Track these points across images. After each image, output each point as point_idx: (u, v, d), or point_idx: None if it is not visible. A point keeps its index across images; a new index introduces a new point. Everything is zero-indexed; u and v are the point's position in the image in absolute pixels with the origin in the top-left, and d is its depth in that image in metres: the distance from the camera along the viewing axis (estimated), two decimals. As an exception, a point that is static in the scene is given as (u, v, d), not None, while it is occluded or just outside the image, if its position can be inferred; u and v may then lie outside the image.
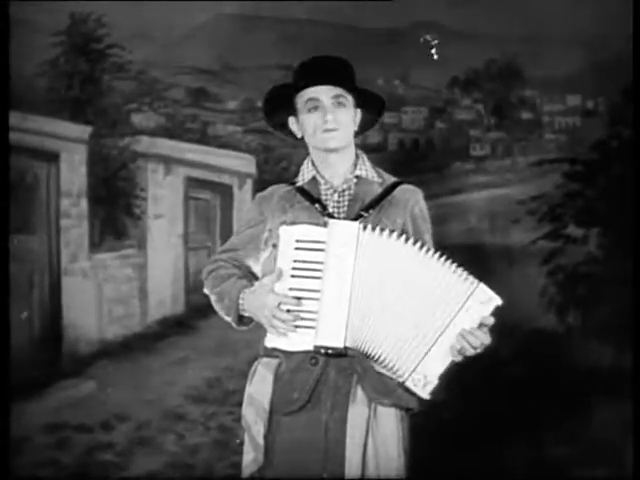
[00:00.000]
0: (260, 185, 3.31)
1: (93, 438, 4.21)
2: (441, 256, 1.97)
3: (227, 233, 4.71)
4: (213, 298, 2.19)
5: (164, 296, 4.91)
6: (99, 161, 4.66)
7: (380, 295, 1.97)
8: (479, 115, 4.90)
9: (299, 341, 2.00)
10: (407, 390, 1.99)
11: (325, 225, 2.00)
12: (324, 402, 2.06)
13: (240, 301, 2.07)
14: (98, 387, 4.44)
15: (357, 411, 2.06)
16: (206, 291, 2.22)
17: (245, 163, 4.99)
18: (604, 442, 3.90)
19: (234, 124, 4.95)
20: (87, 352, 4.59)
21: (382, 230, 1.98)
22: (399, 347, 1.96)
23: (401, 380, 1.98)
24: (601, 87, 4.56)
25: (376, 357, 1.98)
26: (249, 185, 5.04)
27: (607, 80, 4.43)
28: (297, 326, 1.99)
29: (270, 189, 2.24)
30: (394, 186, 2.18)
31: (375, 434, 2.07)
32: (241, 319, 2.11)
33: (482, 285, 1.95)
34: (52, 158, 4.56)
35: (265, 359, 2.14)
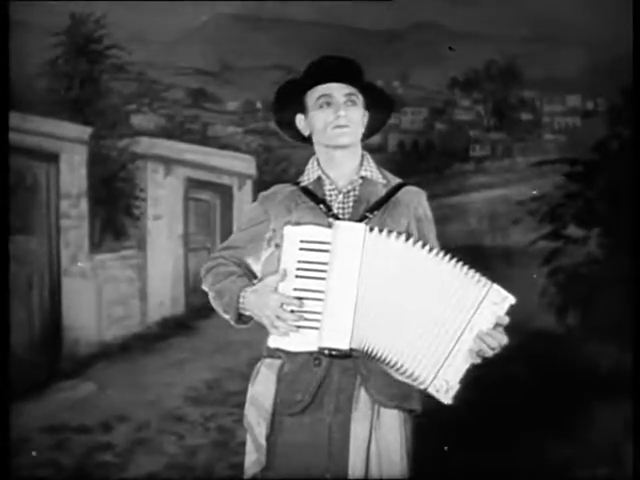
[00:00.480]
0: (260, 186, 3.31)
1: (93, 439, 4.21)
2: (451, 258, 1.96)
3: (227, 234, 4.67)
4: (212, 295, 2.17)
5: (164, 297, 4.91)
6: (99, 162, 4.66)
7: (389, 298, 1.96)
8: (479, 116, 4.91)
9: (302, 342, 1.99)
10: (428, 396, 1.98)
11: (330, 226, 2.00)
12: (327, 403, 2.05)
13: (241, 299, 2.06)
14: (98, 388, 4.44)
15: (360, 412, 2.05)
16: (205, 288, 2.20)
17: (245, 164, 4.99)
18: (604, 442, 3.90)
19: (234, 125, 4.94)
20: (87, 353, 4.59)
21: (389, 232, 1.97)
22: (415, 353, 1.95)
23: (422, 387, 1.97)
24: (601, 87, 4.57)
25: (392, 363, 1.97)
26: (249, 186, 5.04)
27: (607, 80, 4.43)
28: (300, 327, 1.98)
29: (274, 188, 2.23)
30: (398, 187, 2.17)
31: (378, 436, 2.06)
32: (240, 317, 2.10)
33: (495, 285, 1.96)
34: (52, 159, 4.56)
35: (268, 360, 2.12)
